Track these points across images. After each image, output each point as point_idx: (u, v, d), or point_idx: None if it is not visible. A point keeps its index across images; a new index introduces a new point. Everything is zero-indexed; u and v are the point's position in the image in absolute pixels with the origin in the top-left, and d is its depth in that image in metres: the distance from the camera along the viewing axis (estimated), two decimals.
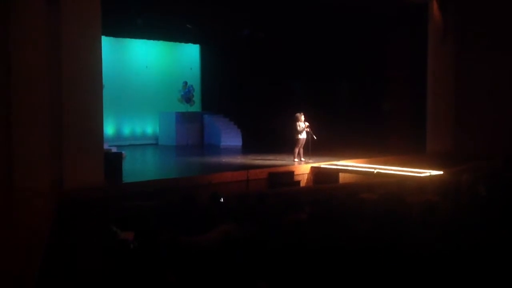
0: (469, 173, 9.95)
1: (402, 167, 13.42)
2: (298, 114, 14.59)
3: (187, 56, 21.98)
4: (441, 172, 12.57)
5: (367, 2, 15.74)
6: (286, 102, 18.59)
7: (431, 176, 12.36)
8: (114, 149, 14.68)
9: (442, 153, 16.23)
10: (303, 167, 13.85)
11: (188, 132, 20.15)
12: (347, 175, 13.56)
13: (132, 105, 20.02)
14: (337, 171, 13.69)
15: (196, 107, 21.55)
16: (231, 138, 19.75)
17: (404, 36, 18.08)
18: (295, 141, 14.53)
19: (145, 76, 20.35)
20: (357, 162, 14.51)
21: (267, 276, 4.68)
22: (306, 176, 13.73)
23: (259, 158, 15.30)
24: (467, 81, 17.06)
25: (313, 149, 14.54)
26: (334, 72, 19.25)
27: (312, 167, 13.88)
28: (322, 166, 13.98)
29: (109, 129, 18.78)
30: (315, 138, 14.40)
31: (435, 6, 16.91)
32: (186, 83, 20.86)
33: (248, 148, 18.50)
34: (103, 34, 11.27)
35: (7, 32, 8.95)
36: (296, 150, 14.54)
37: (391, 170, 13.29)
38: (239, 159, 15.80)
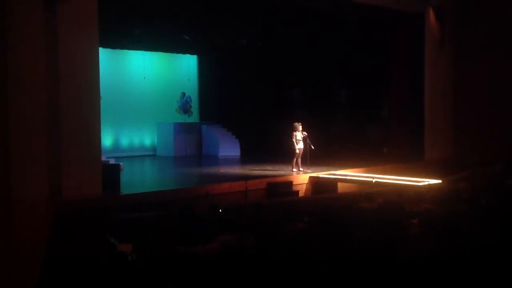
0: (468, 180, 9.93)
1: (401, 175, 13.40)
2: (295, 124, 14.59)
3: (184, 67, 22.00)
4: (440, 181, 12.54)
5: (364, 11, 15.79)
6: (285, 112, 18.62)
7: (429, 185, 12.32)
8: (112, 161, 14.65)
9: (441, 161, 16.22)
10: (301, 177, 13.82)
11: (186, 142, 20.11)
12: (345, 184, 13.56)
13: (130, 116, 20.01)
14: (336, 181, 13.68)
15: (194, 117, 21.53)
16: (229, 148, 19.73)
17: (401, 44, 18.14)
18: (293, 151, 14.51)
19: (142, 87, 20.34)
20: (355, 172, 14.49)
21: (266, 285, 4.65)
22: (304, 186, 13.70)
23: (258, 168, 15.27)
24: (465, 88, 17.10)
25: (311, 159, 14.51)
26: (332, 81, 19.31)
27: (310, 177, 13.85)
28: (320, 176, 13.96)
29: (107, 140, 18.74)
30: (312, 148, 14.38)
31: (431, 15, 17.00)
32: (184, 93, 20.85)
33: (246, 158, 18.47)
34: (100, 46, 11.30)
35: (5, 43, 8.96)
36: (294, 160, 14.51)
37: (390, 179, 13.28)
38: (238, 170, 15.77)
